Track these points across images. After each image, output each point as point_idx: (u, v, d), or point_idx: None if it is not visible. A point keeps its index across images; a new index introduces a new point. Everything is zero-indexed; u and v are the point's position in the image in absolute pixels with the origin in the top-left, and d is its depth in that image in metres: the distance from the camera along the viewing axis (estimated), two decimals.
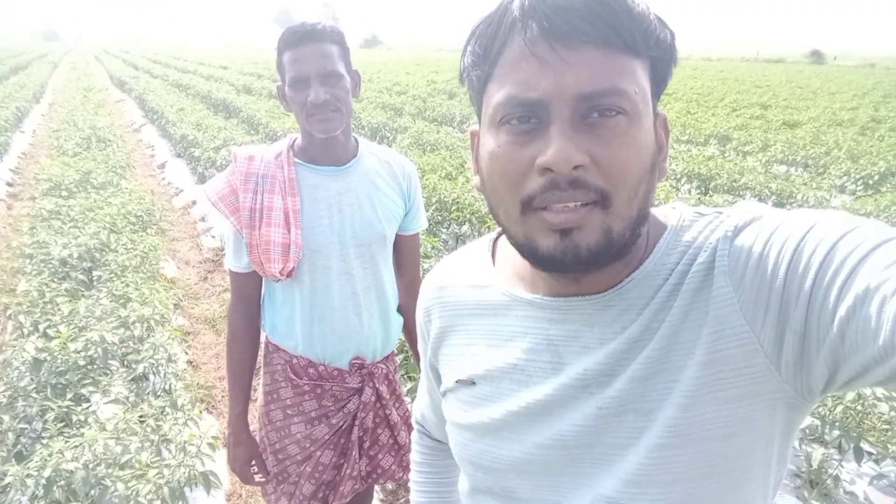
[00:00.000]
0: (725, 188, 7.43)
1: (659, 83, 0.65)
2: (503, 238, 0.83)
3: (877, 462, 2.70)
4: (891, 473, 2.58)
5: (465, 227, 5.74)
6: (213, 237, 6.13)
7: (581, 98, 0.59)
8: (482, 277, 0.80)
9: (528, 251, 0.65)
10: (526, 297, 0.73)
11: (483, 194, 0.70)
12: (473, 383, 0.77)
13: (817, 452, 2.71)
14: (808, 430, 2.88)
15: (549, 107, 0.59)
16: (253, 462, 1.74)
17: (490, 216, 0.83)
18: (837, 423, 2.67)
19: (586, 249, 0.61)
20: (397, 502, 2.72)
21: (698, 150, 10.49)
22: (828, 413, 2.71)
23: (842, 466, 2.77)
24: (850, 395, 2.66)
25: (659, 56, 0.63)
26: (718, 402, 0.62)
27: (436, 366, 0.87)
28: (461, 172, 7.06)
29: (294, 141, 1.63)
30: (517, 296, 0.74)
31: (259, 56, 52.06)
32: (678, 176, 8.02)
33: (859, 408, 2.74)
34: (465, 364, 0.79)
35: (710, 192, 7.55)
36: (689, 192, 7.86)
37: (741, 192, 7.36)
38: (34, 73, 27.04)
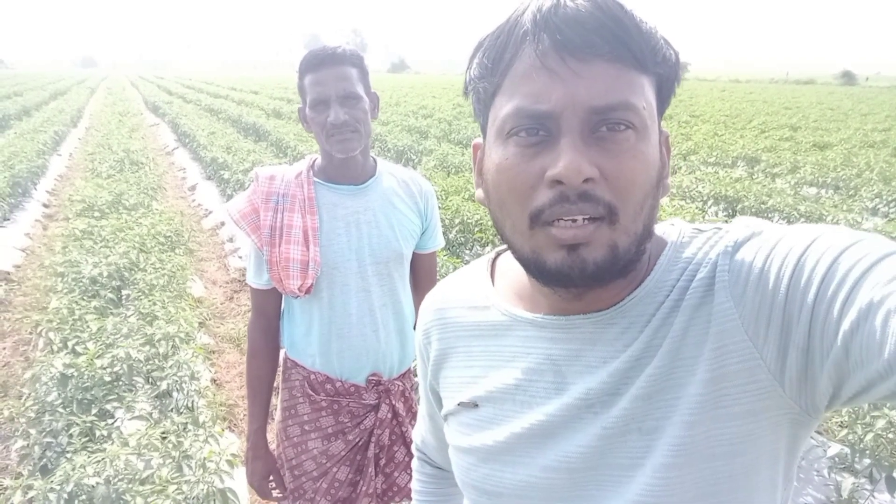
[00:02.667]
0: (753, 210, 7.33)
1: (663, 100, 0.66)
2: (502, 258, 0.83)
3: None
4: None
5: (488, 249, 5.74)
6: (240, 258, 6.23)
7: (592, 111, 0.59)
8: (481, 298, 0.79)
9: (534, 266, 0.64)
10: (526, 316, 0.73)
11: (487, 207, 0.70)
12: (476, 406, 0.76)
13: (847, 482, 2.63)
14: (837, 459, 2.80)
15: (559, 119, 0.60)
16: (271, 477, 1.75)
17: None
18: (868, 452, 2.59)
19: (593, 264, 0.61)
20: None
21: (726, 171, 10.38)
22: (858, 441, 2.64)
23: (874, 497, 2.69)
24: (881, 423, 2.58)
25: (665, 73, 0.63)
26: (722, 420, 0.62)
27: (436, 388, 0.86)
28: None
29: (314, 161, 1.67)
30: (518, 315, 0.74)
31: (289, 81, 53.12)
32: (705, 198, 7.95)
33: (891, 435, 2.65)
34: (467, 386, 0.78)
35: (737, 214, 7.46)
36: (716, 214, 7.77)
37: (769, 215, 7.25)
38: (72, 98, 27.94)
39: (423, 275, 1.82)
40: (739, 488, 0.63)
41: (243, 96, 28.99)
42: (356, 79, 1.54)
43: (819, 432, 3.36)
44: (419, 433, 1.03)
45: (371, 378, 1.69)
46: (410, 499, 1.81)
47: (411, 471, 1.78)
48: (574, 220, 0.60)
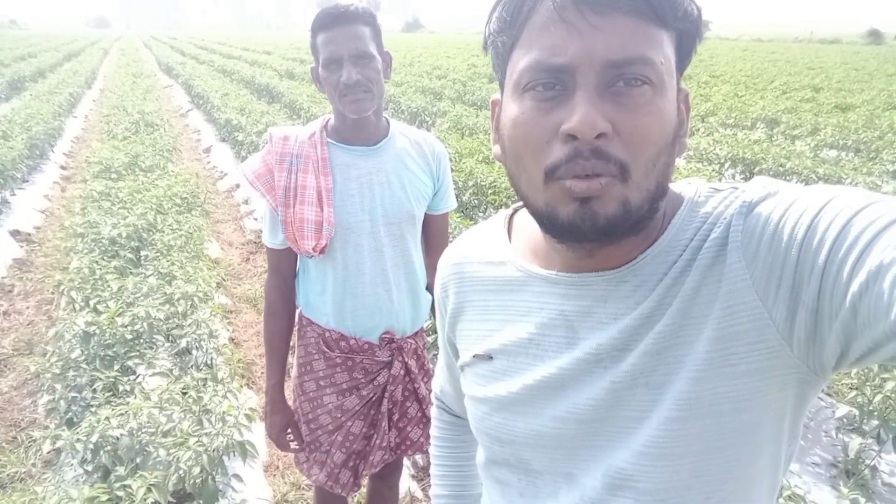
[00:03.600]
0: (771, 173, 7.23)
1: (684, 57, 0.65)
2: (518, 214, 0.84)
3: None
4: None
5: (501, 211, 5.73)
6: (256, 220, 6.28)
7: (609, 65, 0.59)
8: (498, 254, 0.81)
9: (547, 219, 0.65)
10: (541, 273, 0.74)
11: (503, 163, 0.70)
12: (491, 358, 0.78)
13: (854, 442, 2.66)
14: (845, 420, 2.83)
15: (575, 73, 0.59)
16: (289, 430, 1.80)
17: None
18: (876, 413, 2.61)
19: (604, 219, 0.61)
20: (427, 478, 2.78)
21: (744, 133, 10.22)
22: (866, 402, 2.66)
23: (880, 457, 2.72)
24: (890, 385, 2.60)
25: (685, 29, 0.62)
26: (729, 377, 0.63)
27: (453, 341, 0.88)
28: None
29: (327, 121, 1.68)
30: (532, 272, 0.75)
31: (302, 41, 52.55)
32: (722, 160, 7.84)
33: None
34: (483, 339, 0.80)
35: (754, 176, 7.35)
36: (734, 176, 7.69)
37: (787, 177, 7.15)
38: (86, 59, 27.87)
39: (435, 236, 1.84)
40: (745, 444, 0.65)
41: (256, 56, 28.75)
42: (369, 38, 1.54)
43: (828, 394, 3.39)
44: (438, 383, 1.06)
45: (384, 336, 1.73)
46: (422, 452, 1.88)
47: (423, 426, 1.85)
48: (587, 176, 0.60)
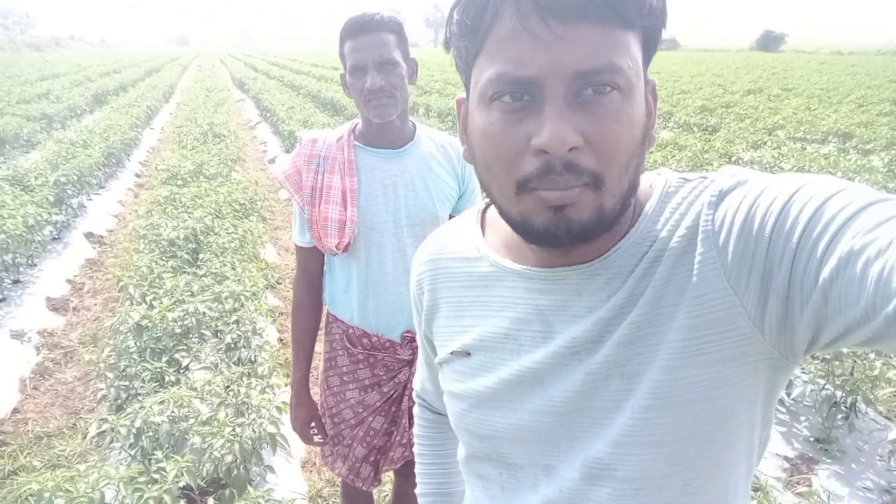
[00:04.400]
0: None
1: (650, 51, 0.65)
2: (491, 209, 0.84)
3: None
4: None
5: None
6: None
7: (576, 76, 0.58)
8: (472, 249, 0.81)
9: (522, 227, 0.65)
10: (515, 268, 0.75)
11: (473, 166, 0.71)
12: (468, 354, 0.78)
13: None
14: None
15: (542, 85, 0.59)
16: (312, 423, 1.87)
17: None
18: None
19: (579, 225, 0.62)
20: None
21: (814, 147, 9.82)
22: None
23: None
24: None
25: (651, 24, 0.62)
26: (702, 366, 0.63)
27: (430, 337, 0.88)
28: None
29: (356, 125, 1.75)
30: (506, 267, 0.76)
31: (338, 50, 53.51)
32: None
33: None
34: (459, 335, 0.80)
35: None
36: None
37: None
38: (165, 75, 29.37)
39: None
40: (719, 430, 0.65)
41: (324, 72, 29.57)
42: (394, 45, 1.59)
43: (887, 418, 3.22)
44: (419, 380, 1.07)
45: (406, 335, 1.77)
46: None
47: None
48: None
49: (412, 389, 1.80)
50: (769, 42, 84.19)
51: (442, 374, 0.85)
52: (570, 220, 0.62)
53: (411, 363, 1.80)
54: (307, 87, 19.90)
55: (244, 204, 5.38)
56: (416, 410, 1.10)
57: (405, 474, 2.07)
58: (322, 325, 1.89)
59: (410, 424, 1.85)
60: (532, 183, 0.61)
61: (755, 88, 19.83)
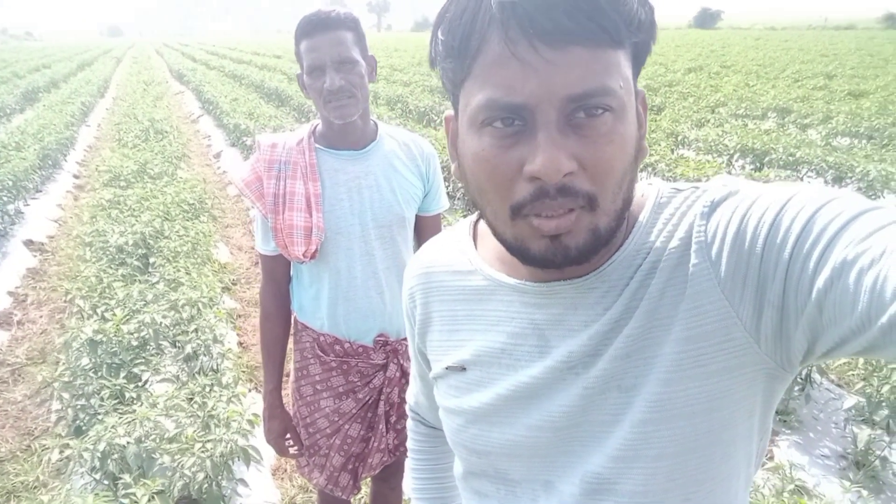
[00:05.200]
0: (781, 163, 7.16)
1: (639, 64, 0.64)
2: (483, 221, 0.81)
3: None
4: None
5: None
6: None
7: (569, 100, 0.57)
8: (465, 262, 0.80)
9: (517, 252, 0.65)
10: (509, 282, 0.74)
11: (464, 186, 0.69)
12: (464, 369, 0.77)
13: (864, 433, 2.63)
14: (854, 411, 2.79)
15: (534, 111, 0.58)
16: (287, 435, 1.82)
17: None
18: (885, 403, 2.58)
19: (575, 249, 0.61)
20: None
21: (755, 123, 10.11)
22: (875, 393, 2.63)
23: (891, 448, 2.69)
24: None
25: (641, 40, 0.61)
26: (700, 378, 0.63)
27: (423, 351, 0.87)
28: None
29: (315, 127, 1.69)
30: (501, 281, 0.75)
31: (294, 49, 52.59)
32: (731, 151, 7.77)
33: None
34: (454, 350, 0.79)
35: (764, 167, 7.29)
36: (743, 167, 7.61)
37: (798, 167, 7.07)
38: (99, 68, 28.20)
39: (427, 237, 1.84)
40: (718, 442, 0.65)
41: (266, 61, 28.92)
42: (351, 43, 1.54)
43: (837, 384, 3.35)
44: (412, 394, 1.05)
45: (378, 339, 1.74)
46: None
47: None
48: (555, 212, 0.59)
49: (387, 393, 1.79)
50: (706, 19, 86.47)
51: (437, 388, 0.84)
52: (567, 247, 0.61)
53: (385, 367, 1.77)
54: (250, 77, 19.42)
55: (193, 203, 5.22)
56: (409, 424, 1.09)
57: (383, 478, 2.05)
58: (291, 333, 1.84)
59: (388, 429, 1.82)
60: (526, 209, 0.60)
61: (696, 66, 20.27)
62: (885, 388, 2.57)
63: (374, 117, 1.74)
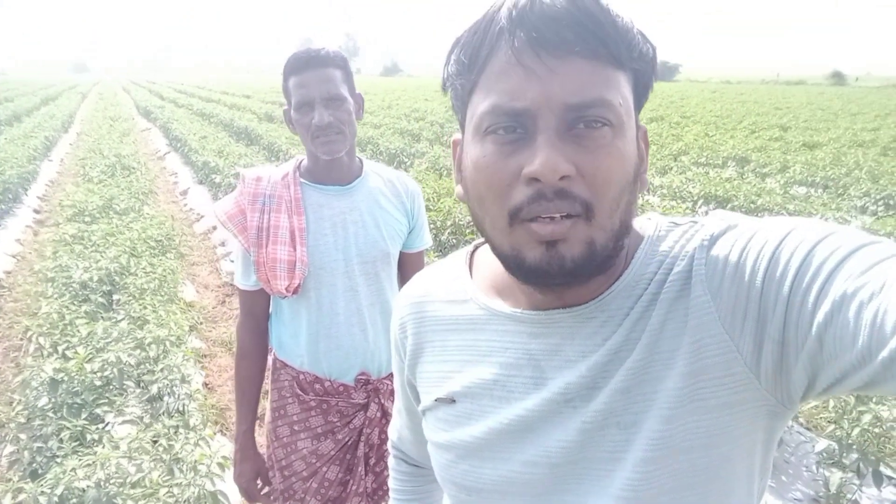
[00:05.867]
0: (743, 210, 7.37)
1: (641, 96, 0.65)
2: (480, 251, 0.82)
3: None
4: None
5: None
6: (232, 261, 6.18)
7: (568, 108, 0.59)
8: (459, 292, 0.79)
9: (514, 263, 0.64)
10: (505, 311, 0.73)
11: (467, 204, 0.69)
12: (453, 401, 0.75)
13: (835, 476, 2.65)
14: (825, 454, 2.82)
15: (535, 116, 0.59)
16: (258, 478, 1.75)
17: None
18: (855, 446, 2.61)
19: (571, 261, 0.61)
20: None
21: (716, 172, 10.44)
22: (845, 436, 2.66)
23: (861, 491, 2.71)
24: (867, 417, 2.61)
25: (641, 69, 0.63)
26: (699, 413, 0.62)
27: (413, 383, 0.85)
28: None
29: (300, 162, 1.68)
30: (496, 310, 0.73)
31: (281, 85, 52.95)
32: (695, 198, 7.99)
33: (877, 430, 2.68)
34: (444, 381, 0.77)
35: None
36: (706, 213, 7.81)
37: (759, 214, 7.29)
38: (63, 103, 27.82)
39: (410, 274, 1.83)
40: (716, 479, 0.64)
41: (235, 100, 28.94)
42: (340, 80, 1.55)
43: (807, 428, 3.39)
44: (395, 429, 1.02)
45: (360, 377, 1.70)
46: None
47: None
48: (552, 218, 0.60)
49: (367, 434, 1.75)
50: (665, 72, 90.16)
51: (426, 422, 0.82)
52: (562, 257, 0.61)
53: (366, 407, 1.73)
54: (219, 116, 19.36)
55: (160, 240, 5.11)
56: (391, 462, 1.05)
57: None
58: (268, 372, 1.79)
59: (367, 472, 1.77)
60: (523, 212, 0.61)
61: (657, 116, 20.95)
62: (855, 432, 2.61)
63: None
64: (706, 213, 7.69)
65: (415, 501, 1.01)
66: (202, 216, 8.10)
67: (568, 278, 0.62)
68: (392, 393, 1.78)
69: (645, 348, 0.64)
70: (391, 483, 1.04)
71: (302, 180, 1.64)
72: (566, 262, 0.61)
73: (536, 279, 0.64)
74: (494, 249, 0.67)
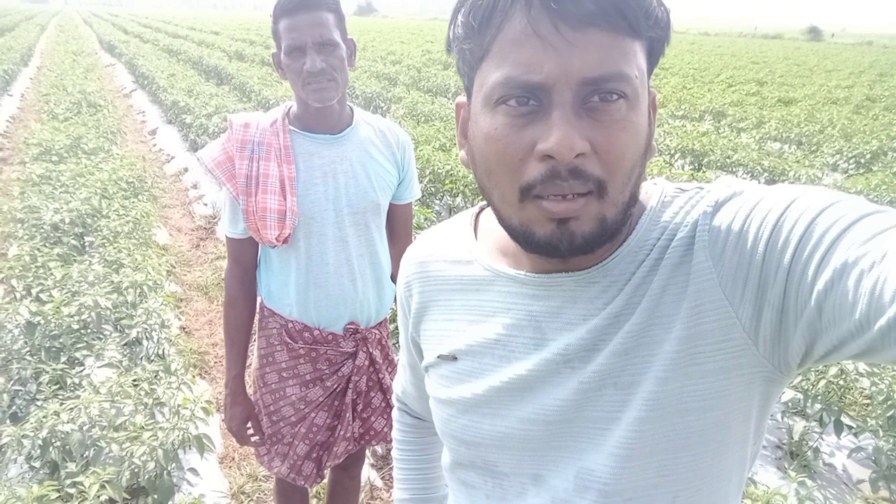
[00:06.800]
0: (718, 164, 7.45)
1: (653, 63, 0.64)
2: (486, 212, 0.82)
3: (856, 435, 2.78)
4: (869, 446, 2.66)
5: (459, 199, 5.75)
6: (206, 205, 6.11)
7: (585, 83, 0.57)
8: (464, 252, 0.79)
9: (522, 237, 0.64)
10: (509, 272, 0.73)
11: (472, 172, 0.69)
12: (455, 359, 0.77)
13: (798, 425, 2.78)
14: (790, 404, 2.94)
15: (551, 91, 0.58)
16: (248, 423, 1.77)
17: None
18: (819, 397, 2.73)
19: (581, 237, 0.61)
20: (387, 467, 2.77)
21: (693, 125, 10.48)
22: (810, 387, 2.78)
23: (822, 439, 2.85)
24: (833, 370, 2.72)
25: (657, 36, 0.62)
26: (696, 376, 0.63)
27: (417, 340, 0.86)
28: (455, 144, 7.03)
29: (289, 108, 1.64)
30: (500, 271, 0.74)
31: (251, 22, 51.28)
32: (672, 151, 8.03)
33: (841, 382, 2.80)
34: (447, 339, 0.78)
35: (702, 167, 7.57)
36: (682, 167, 7.87)
37: (734, 169, 7.38)
38: (21, 35, 26.47)
39: (399, 225, 1.83)
40: (711, 441, 0.65)
41: (203, 37, 27.88)
42: (333, 24, 1.50)
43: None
44: (399, 383, 1.04)
45: (349, 326, 1.71)
46: (386, 441, 1.87)
47: (387, 416, 1.84)
48: (564, 196, 0.59)
49: (355, 382, 1.77)
50: None
51: (428, 378, 0.83)
52: (573, 234, 0.61)
53: (354, 355, 1.74)
54: (187, 53, 18.69)
55: (132, 182, 4.98)
56: (395, 414, 1.07)
57: (343, 467, 2.02)
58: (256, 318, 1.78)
59: (354, 418, 1.80)
60: (536, 189, 0.60)
61: None
62: (821, 384, 2.72)
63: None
64: (682, 166, 7.78)
65: (417, 452, 1.03)
66: (173, 157, 7.91)
67: (576, 252, 0.62)
68: (379, 342, 1.80)
69: (645, 312, 0.65)
70: (394, 433, 1.06)
71: (291, 128, 1.60)
72: (576, 238, 0.61)
73: (545, 253, 0.64)
74: (502, 221, 0.66)
